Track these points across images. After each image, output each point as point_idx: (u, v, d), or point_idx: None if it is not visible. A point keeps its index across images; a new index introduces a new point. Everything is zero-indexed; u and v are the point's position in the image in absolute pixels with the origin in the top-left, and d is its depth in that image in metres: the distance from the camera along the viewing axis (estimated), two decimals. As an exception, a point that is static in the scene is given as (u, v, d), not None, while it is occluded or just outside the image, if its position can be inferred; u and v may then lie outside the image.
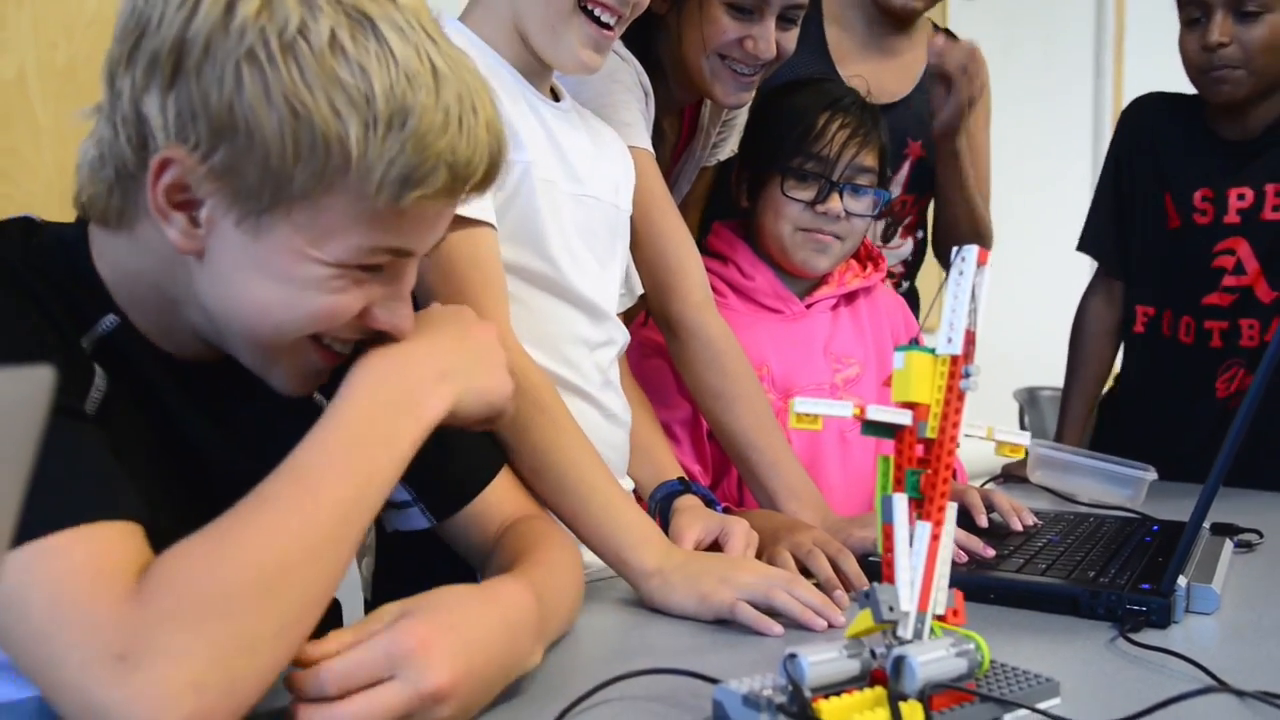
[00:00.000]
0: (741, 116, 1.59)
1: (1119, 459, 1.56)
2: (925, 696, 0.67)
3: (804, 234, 1.43)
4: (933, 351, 0.72)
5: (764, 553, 1.11)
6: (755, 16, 1.37)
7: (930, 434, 0.71)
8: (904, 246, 1.84)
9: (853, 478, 1.44)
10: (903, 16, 1.78)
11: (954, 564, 1.08)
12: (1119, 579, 1.03)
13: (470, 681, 0.68)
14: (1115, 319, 1.91)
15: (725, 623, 0.95)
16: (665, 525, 1.15)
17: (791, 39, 1.41)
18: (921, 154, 1.80)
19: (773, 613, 0.94)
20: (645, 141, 1.32)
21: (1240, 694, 0.77)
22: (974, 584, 1.03)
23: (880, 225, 1.81)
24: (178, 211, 0.71)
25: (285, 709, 0.65)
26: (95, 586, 0.61)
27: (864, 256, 1.56)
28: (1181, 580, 0.98)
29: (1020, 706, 0.72)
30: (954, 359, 0.71)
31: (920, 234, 1.86)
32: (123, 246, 0.76)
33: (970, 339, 0.71)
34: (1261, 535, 1.31)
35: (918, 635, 0.71)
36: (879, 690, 0.68)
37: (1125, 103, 1.97)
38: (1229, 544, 1.22)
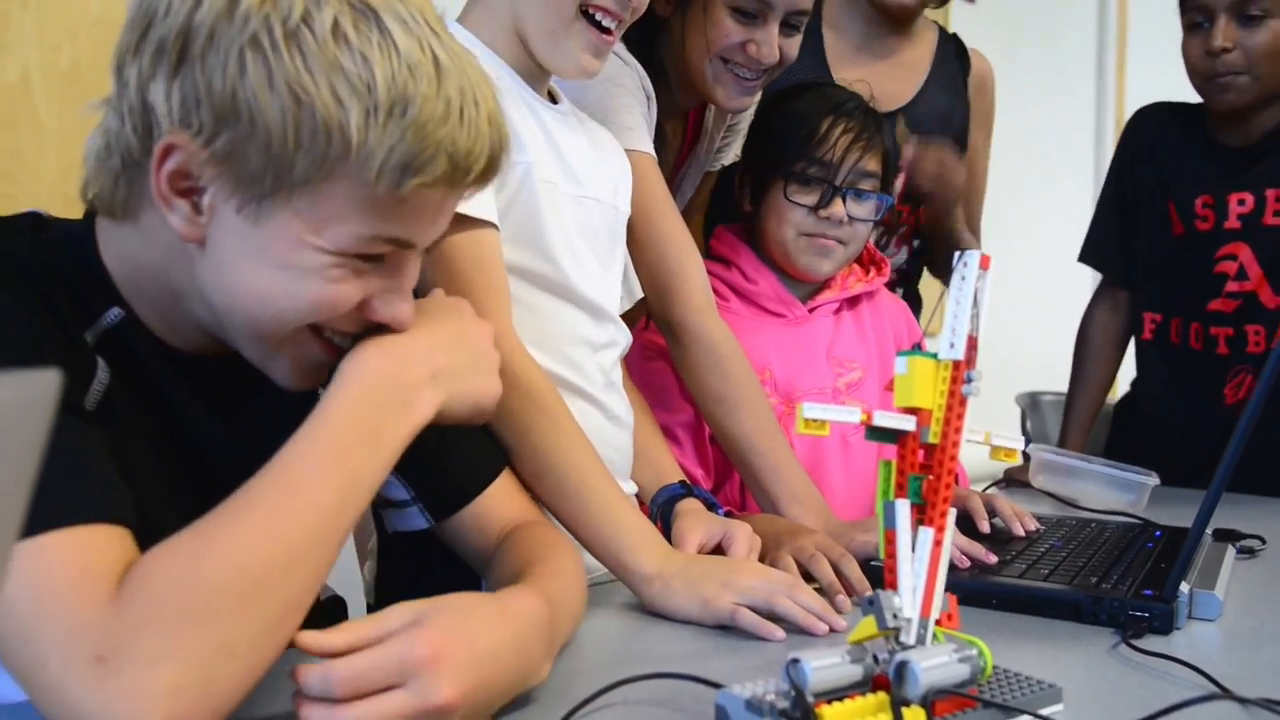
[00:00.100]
0: (746, 121, 1.59)
1: (1121, 464, 1.56)
2: (928, 702, 0.67)
3: (807, 238, 1.43)
4: (935, 356, 0.72)
5: (766, 557, 1.11)
6: (759, 21, 1.37)
7: (932, 439, 0.71)
8: (899, 255, 1.83)
9: (855, 482, 1.44)
10: (898, 15, 1.76)
11: (956, 569, 1.09)
12: (1121, 585, 1.02)
13: (478, 695, 0.68)
14: (1120, 327, 1.91)
15: (727, 627, 0.95)
16: (667, 529, 1.15)
17: (794, 45, 1.41)
18: None
19: (774, 617, 0.94)
20: (647, 145, 1.32)
21: (1243, 701, 0.77)
22: (976, 589, 1.04)
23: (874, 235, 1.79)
24: (181, 198, 0.71)
25: (288, 714, 0.64)
26: (78, 588, 0.61)
27: (866, 261, 1.56)
28: (1184, 586, 0.98)
29: (1023, 712, 0.72)
30: (956, 364, 0.71)
31: (916, 243, 1.85)
32: (128, 238, 0.77)
33: (972, 344, 0.72)
34: (1264, 541, 1.31)
35: (920, 641, 0.71)
36: (881, 696, 0.68)
37: (1127, 107, 1.98)
38: (1232, 550, 1.22)
